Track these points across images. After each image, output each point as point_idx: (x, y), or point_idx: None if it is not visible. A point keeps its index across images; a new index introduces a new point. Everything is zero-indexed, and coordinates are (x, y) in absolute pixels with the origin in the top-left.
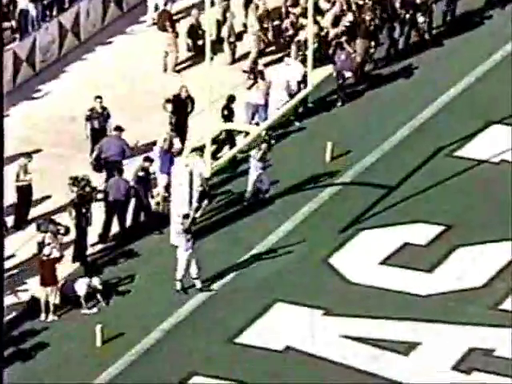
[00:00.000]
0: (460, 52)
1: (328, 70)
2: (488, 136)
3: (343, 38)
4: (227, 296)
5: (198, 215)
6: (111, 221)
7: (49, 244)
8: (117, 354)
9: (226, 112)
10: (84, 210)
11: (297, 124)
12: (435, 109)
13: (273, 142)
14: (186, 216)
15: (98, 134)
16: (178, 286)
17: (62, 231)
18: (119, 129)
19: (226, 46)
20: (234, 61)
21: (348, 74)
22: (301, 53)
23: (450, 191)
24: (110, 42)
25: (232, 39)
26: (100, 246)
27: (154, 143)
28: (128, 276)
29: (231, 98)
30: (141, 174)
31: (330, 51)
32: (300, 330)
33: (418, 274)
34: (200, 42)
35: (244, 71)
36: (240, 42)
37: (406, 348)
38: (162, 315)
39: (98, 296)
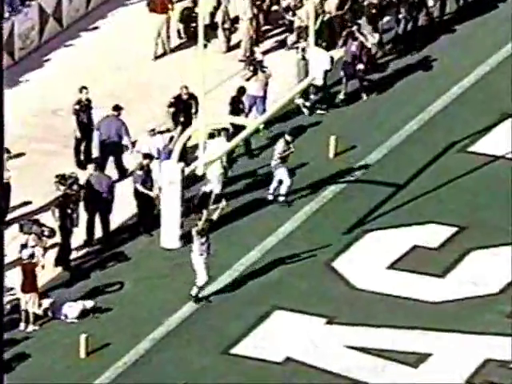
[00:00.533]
0: (474, 39)
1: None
2: (504, 130)
3: (355, 27)
4: (222, 302)
5: (215, 217)
6: (94, 221)
7: (33, 246)
8: (102, 366)
9: (235, 105)
10: (69, 211)
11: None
12: (447, 100)
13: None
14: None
15: (85, 129)
16: (194, 291)
17: (46, 233)
18: (118, 108)
19: (220, 32)
20: (229, 49)
21: (360, 66)
22: (302, 40)
23: (463, 190)
24: (96, 28)
25: (227, 25)
26: (85, 250)
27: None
28: (115, 281)
29: (241, 90)
30: (140, 172)
31: (341, 42)
32: (301, 339)
33: (429, 279)
34: (193, 28)
35: (241, 60)
36: (235, 28)
37: (415, 359)
38: (151, 323)
39: (91, 315)
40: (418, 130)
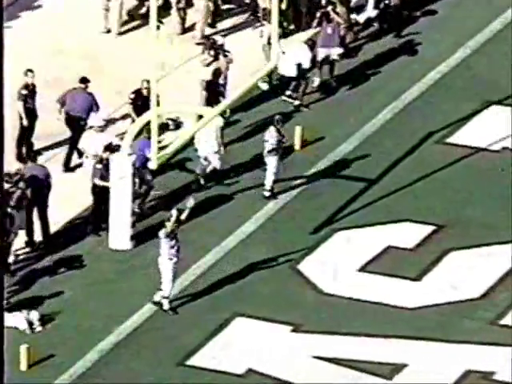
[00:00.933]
0: (453, 20)
1: (298, 40)
2: (486, 119)
3: (329, 7)
4: (178, 309)
5: (183, 217)
6: (32, 218)
7: None
8: (46, 380)
9: (211, 90)
10: (9, 210)
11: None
12: (423, 87)
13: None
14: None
15: (30, 116)
16: (166, 305)
17: None
18: (85, 80)
19: (174, 12)
20: (184, 30)
21: (338, 51)
22: (265, 22)
23: (442, 185)
24: (39, 6)
25: (181, 4)
26: (27, 252)
27: None
28: (59, 286)
29: (216, 72)
30: (99, 166)
31: (315, 23)
32: (264, 349)
33: (404, 282)
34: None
35: (198, 44)
36: (190, 8)
37: (389, 370)
38: (99, 333)
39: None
40: (392, 120)
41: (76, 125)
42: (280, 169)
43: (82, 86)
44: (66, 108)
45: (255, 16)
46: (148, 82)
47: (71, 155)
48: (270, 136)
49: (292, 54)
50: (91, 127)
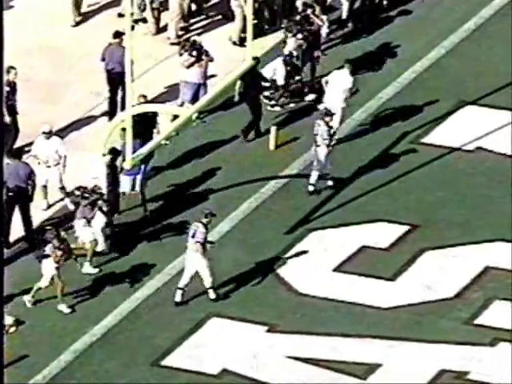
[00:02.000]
0: (428, 20)
1: (272, 40)
2: (461, 119)
3: (309, 10)
4: (152, 310)
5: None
6: (11, 218)
7: None
8: (20, 381)
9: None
10: None
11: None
12: (398, 86)
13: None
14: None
15: (12, 113)
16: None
17: None
18: (119, 34)
19: (148, 12)
20: (158, 31)
21: (317, 53)
22: (237, 22)
23: (416, 185)
24: (11, 7)
25: (155, 5)
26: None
27: None
28: (34, 285)
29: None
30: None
31: (294, 27)
32: (239, 349)
33: (379, 282)
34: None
35: (173, 44)
36: (164, 9)
37: (364, 371)
38: (73, 333)
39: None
40: (367, 119)
41: (115, 79)
42: (328, 164)
43: (117, 40)
44: (105, 65)
45: (227, 16)
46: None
47: (114, 110)
48: (319, 129)
49: (336, 82)
50: (44, 132)
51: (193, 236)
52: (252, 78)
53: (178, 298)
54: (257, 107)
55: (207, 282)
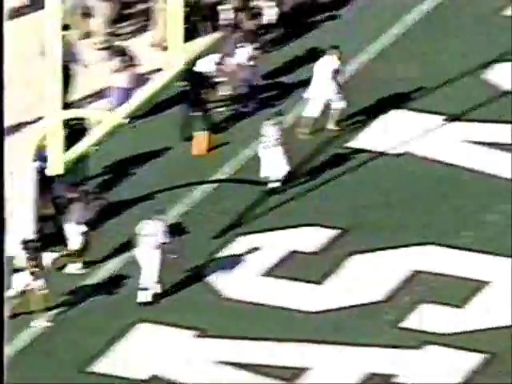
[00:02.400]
0: (356, 24)
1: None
2: (388, 123)
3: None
4: (78, 315)
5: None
6: None
7: None
8: None
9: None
10: None
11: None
12: None
13: None
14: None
15: None
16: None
17: None
18: None
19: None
20: (86, 36)
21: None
22: (160, 26)
23: (344, 189)
24: None
25: (84, 10)
26: None
27: None
28: None
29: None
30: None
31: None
32: (168, 355)
33: (307, 286)
34: None
35: (100, 49)
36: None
37: (291, 374)
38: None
39: None
40: (293, 125)
41: None
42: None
43: None
44: None
45: (151, 21)
46: None
47: None
48: (269, 132)
49: (318, 96)
50: None
51: (151, 234)
52: (191, 78)
53: (141, 299)
54: (202, 105)
55: (154, 276)
